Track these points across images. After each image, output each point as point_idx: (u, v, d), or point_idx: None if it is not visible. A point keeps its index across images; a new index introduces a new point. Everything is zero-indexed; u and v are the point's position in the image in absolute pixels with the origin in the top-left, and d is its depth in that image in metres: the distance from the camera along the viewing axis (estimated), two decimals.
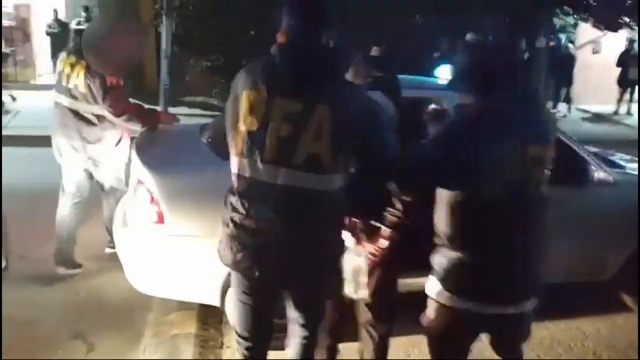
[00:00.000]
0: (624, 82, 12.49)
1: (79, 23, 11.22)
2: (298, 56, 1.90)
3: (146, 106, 4.23)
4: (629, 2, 10.58)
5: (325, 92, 1.84)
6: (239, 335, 2.20)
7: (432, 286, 2.06)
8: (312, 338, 2.22)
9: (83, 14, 11.21)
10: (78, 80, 3.69)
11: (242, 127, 1.89)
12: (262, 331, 2.18)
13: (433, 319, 2.08)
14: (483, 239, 1.92)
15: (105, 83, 3.61)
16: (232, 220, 1.99)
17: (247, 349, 2.19)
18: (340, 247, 2.13)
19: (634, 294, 3.76)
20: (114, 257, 3.50)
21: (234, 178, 1.99)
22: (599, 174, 3.48)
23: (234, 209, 1.98)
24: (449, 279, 1.98)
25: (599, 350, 3.35)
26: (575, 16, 12.16)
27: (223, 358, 3.11)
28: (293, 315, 2.19)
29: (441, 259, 2.01)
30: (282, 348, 2.45)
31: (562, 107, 12.61)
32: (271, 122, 1.84)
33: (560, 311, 3.70)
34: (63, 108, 3.81)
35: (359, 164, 2.02)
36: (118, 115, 3.69)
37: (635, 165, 4.20)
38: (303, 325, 2.19)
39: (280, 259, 1.94)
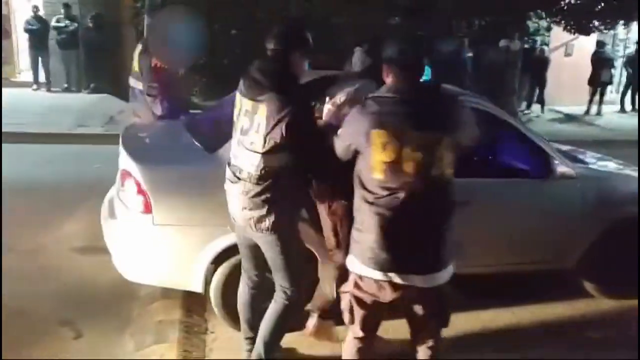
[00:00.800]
0: (595, 83, 12.91)
1: (58, 20, 11.19)
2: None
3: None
4: (599, 7, 10.94)
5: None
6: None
7: (351, 261, 2.33)
8: None
9: (62, 11, 11.17)
10: (135, 62, 4.19)
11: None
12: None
13: (352, 288, 2.34)
14: (386, 219, 2.16)
15: (150, 63, 4.04)
16: None
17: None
18: None
19: (594, 281, 3.99)
20: (101, 249, 3.61)
21: None
22: (562, 168, 3.69)
23: None
24: (362, 254, 2.25)
25: (560, 333, 3.57)
26: (548, 20, 12.50)
27: (207, 343, 3.25)
28: None
29: (355, 235, 2.29)
30: None
31: (535, 107, 12.96)
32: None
33: (525, 297, 3.94)
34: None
35: None
36: (148, 94, 4.00)
37: (603, 162, 4.45)
38: None
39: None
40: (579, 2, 10.99)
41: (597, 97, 13.14)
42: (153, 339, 3.17)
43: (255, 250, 2.66)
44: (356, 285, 2.32)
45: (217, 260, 3.16)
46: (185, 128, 3.72)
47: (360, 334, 2.42)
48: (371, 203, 2.19)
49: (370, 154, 2.15)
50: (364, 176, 2.21)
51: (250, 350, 2.80)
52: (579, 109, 13.16)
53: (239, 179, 2.51)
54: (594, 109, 13.18)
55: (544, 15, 12.41)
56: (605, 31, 12.11)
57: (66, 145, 7.76)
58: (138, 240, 3.17)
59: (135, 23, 11.29)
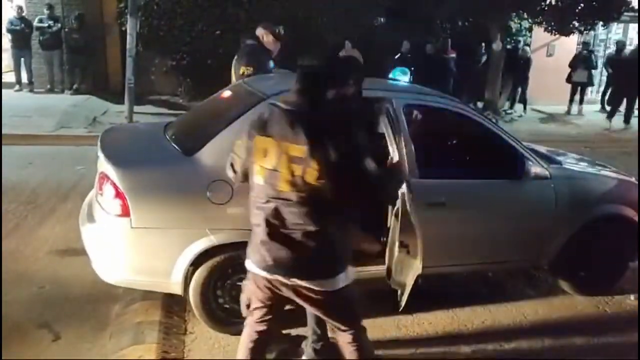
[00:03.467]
0: (572, 83, 13.11)
1: (41, 20, 11.12)
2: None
3: None
4: (578, 7, 11.08)
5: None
6: None
7: (247, 259, 2.41)
8: None
9: (46, 11, 11.10)
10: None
11: None
12: None
13: (248, 284, 2.46)
14: (269, 224, 2.25)
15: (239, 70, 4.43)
16: None
17: None
18: None
19: (569, 279, 4.07)
20: (79, 252, 3.62)
21: None
22: (536, 168, 3.77)
23: None
24: (253, 254, 2.35)
25: (535, 330, 3.63)
26: (529, 20, 12.64)
27: (186, 343, 3.28)
28: None
29: (251, 235, 2.37)
30: None
31: (518, 107, 13.10)
32: None
33: (502, 295, 4.02)
34: None
35: None
36: None
37: (582, 163, 4.53)
38: None
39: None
40: (559, 3, 11.12)
41: (577, 97, 13.31)
42: (132, 340, 3.18)
43: None
44: (252, 281, 2.42)
45: (196, 262, 3.18)
46: (164, 131, 3.74)
47: (258, 324, 2.52)
48: (257, 207, 2.28)
49: (254, 159, 2.25)
50: (252, 181, 2.30)
51: None
52: (560, 109, 13.33)
53: None
54: (575, 108, 13.36)
55: (525, 16, 12.54)
56: (585, 32, 12.26)
57: (48, 147, 7.73)
58: (116, 243, 3.18)
59: (119, 24, 11.26)
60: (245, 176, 2.37)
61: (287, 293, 2.36)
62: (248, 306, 2.51)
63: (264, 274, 2.33)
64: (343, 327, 2.50)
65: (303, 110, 2.19)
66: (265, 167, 2.21)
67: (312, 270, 2.29)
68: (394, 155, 3.11)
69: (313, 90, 2.24)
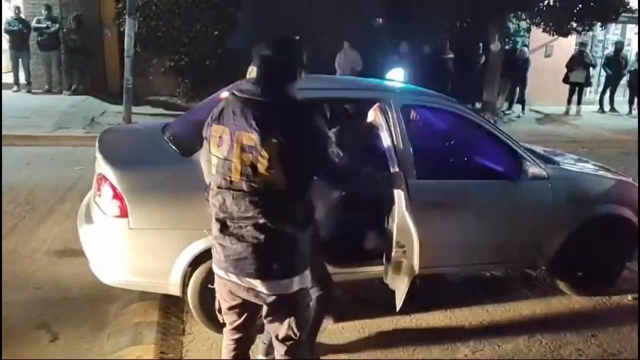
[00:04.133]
0: (570, 83, 13.13)
1: (39, 21, 11.12)
2: None
3: None
4: (576, 8, 11.10)
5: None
6: None
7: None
8: None
9: (44, 12, 11.10)
10: None
11: None
12: None
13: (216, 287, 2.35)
14: (220, 218, 2.17)
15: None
16: None
17: None
18: None
19: (566, 279, 4.08)
20: (77, 252, 3.62)
21: None
22: (534, 169, 3.78)
23: None
24: (213, 254, 2.27)
25: (533, 330, 3.63)
26: (528, 21, 12.66)
27: (184, 344, 3.28)
28: None
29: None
30: None
31: (516, 108, 13.12)
32: None
33: (499, 295, 4.02)
34: None
35: None
36: None
37: (580, 164, 4.54)
38: None
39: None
40: (557, 4, 11.14)
41: (575, 97, 13.34)
42: (130, 341, 3.19)
43: None
44: (216, 283, 2.33)
45: (194, 263, 3.19)
46: (162, 131, 3.75)
47: (231, 331, 2.42)
48: (212, 201, 2.22)
49: (210, 149, 2.19)
50: (208, 173, 2.24)
51: None
52: (558, 109, 13.36)
53: None
54: (573, 109, 13.38)
55: (523, 17, 12.56)
56: (583, 33, 12.28)
57: (46, 148, 7.73)
58: (114, 244, 3.19)
59: (117, 24, 11.26)
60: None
61: (244, 295, 2.23)
62: (219, 310, 2.40)
63: (221, 273, 2.24)
64: (281, 336, 2.31)
65: (256, 98, 2.11)
66: (218, 157, 2.14)
67: (263, 269, 2.14)
68: (392, 161, 3.08)
69: (266, 77, 2.17)
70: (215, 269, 2.28)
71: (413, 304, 3.76)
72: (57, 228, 4.74)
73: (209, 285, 2.65)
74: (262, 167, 2.06)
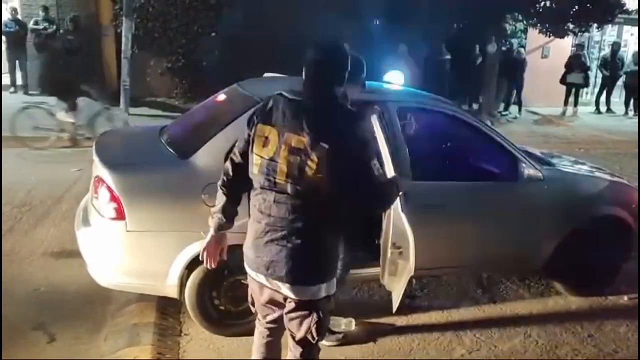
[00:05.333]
0: (567, 84, 13.18)
1: (36, 22, 11.11)
2: None
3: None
4: (573, 10, 11.15)
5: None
6: None
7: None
8: None
9: (41, 13, 11.09)
10: None
11: None
12: None
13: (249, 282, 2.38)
14: (258, 218, 2.18)
15: None
16: None
17: None
18: None
19: (562, 280, 4.10)
20: (74, 254, 3.62)
21: None
22: (530, 170, 3.79)
23: None
24: (245, 252, 2.28)
25: (530, 330, 3.66)
26: (524, 22, 12.70)
27: (181, 345, 3.29)
28: None
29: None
30: None
31: (513, 109, 13.15)
32: None
33: (496, 295, 4.04)
34: None
35: None
36: None
37: (577, 165, 4.56)
38: None
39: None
40: (554, 5, 11.18)
41: (572, 99, 13.38)
42: (127, 342, 3.19)
43: None
44: (249, 279, 2.35)
45: (192, 265, 3.19)
46: (159, 134, 3.76)
47: (265, 324, 2.44)
48: (251, 200, 2.22)
49: (253, 148, 2.16)
50: (250, 172, 2.21)
51: None
52: (555, 110, 13.40)
53: None
54: (570, 110, 13.43)
55: (520, 18, 12.59)
56: (579, 34, 12.33)
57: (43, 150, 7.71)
58: (112, 247, 3.19)
59: (114, 26, 11.26)
60: (239, 166, 2.25)
61: (270, 296, 2.26)
62: (253, 304, 2.44)
63: (251, 273, 2.27)
64: (299, 337, 2.26)
65: (307, 101, 2.11)
66: (263, 157, 2.12)
67: (295, 274, 2.13)
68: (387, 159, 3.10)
69: (316, 81, 2.15)
70: (246, 267, 2.29)
71: (410, 305, 3.80)
72: (54, 229, 4.74)
73: (242, 281, 2.62)
74: (310, 171, 2.03)
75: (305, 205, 2.10)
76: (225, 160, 2.32)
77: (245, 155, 2.22)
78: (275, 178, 2.10)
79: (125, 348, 3.14)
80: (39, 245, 4.42)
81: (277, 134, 2.09)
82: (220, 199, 2.31)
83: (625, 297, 4.17)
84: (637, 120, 12.15)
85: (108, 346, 3.20)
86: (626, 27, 15.30)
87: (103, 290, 3.43)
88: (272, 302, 2.32)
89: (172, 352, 3.18)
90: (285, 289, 2.17)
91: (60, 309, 3.56)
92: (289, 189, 2.08)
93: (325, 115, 2.09)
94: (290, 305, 2.22)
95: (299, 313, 2.21)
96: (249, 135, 2.19)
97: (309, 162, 2.03)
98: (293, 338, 2.29)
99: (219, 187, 2.31)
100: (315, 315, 2.20)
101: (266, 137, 2.11)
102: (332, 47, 2.24)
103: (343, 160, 2.03)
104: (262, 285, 2.25)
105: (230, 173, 2.28)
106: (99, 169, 3.24)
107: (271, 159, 2.10)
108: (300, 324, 2.23)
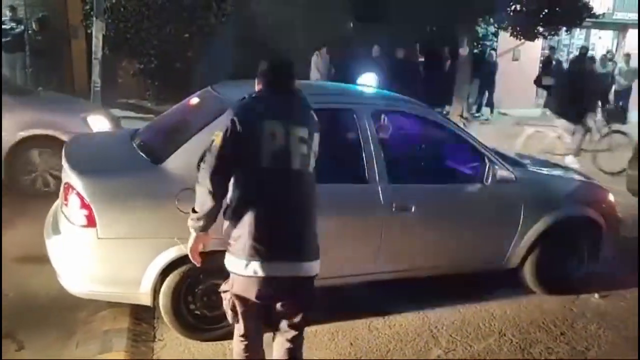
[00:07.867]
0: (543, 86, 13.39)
1: (3, 23, 10.83)
2: None
3: None
4: (543, 13, 11.37)
5: None
6: None
7: (228, 260, 2.35)
8: None
9: (9, 13, 10.82)
10: None
11: None
12: None
13: (232, 288, 2.39)
14: (262, 209, 2.28)
15: None
16: None
17: None
18: None
19: (535, 279, 4.15)
20: (44, 259, 3.53)
21: None
22: (502, 172, 3.84)
23: None
24: (239, 250, 2.29)
25: (504, 329, 3.72)
26: (496, 25, 12.90)
27: (155, 350, 3.24)
28: None
29: (234, 233, 2.31)
30: None
31: (485, 111, 13.33)
32: None
33: (471, 296, 4.08)
34: None
35: None
36: None
37: (547, 167, 4.64)
38: None
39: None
40: (524, 9, 11.38)
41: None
42: (99, 348, 3.13)
43: None
44: (235, 285, 2.36)
45: (166, 271, 3.14)
46: (131, 138, 3.69)
47: (244, 332, 2.45)
48: (251, 194, 2.28)
49: (260, 143, 2.26)
50: (248, 168, 2.28)
51: None
52: (526, 112, 13.60)
53: None
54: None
55: (491, 21, 12.78)
56: (549, 37, 12.57)
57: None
58: (83, 255, 3.11)
59: (84, 26, 11.06)
60: (229, 170, 2.30)
61: (264, 291, 2.30)
62: (234, 312, 2.45)
63: (256, 265, 2.26)
64: (297, 320, 2.42)
65: (297, 96, 2.44)
66: (270, 149, 2.26)
67: (305, 250, 2.33)
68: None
69: (291, 79, 2.46)
70: (248, 270, 2.27)
71: (386, 306, 3.81)
72: (23, 235, 4.61)
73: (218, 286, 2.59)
74: (310, 158, 2.35)
75: (308, 189, 2.37)
76: (199, 163, 2.30)
77: (237, 156, 2.27)
78: (286, 165, 2.29)
79: (98, 355, 3.07)
80: (7, 251, 4.30)
81: (283, 126, 2.29)
82: (206, 204, 2.29)
83: (596, 295, 4.25)
84: None
85: (79, 353, 3.13)
86: (594, 31, 15.66)
87: (73, 297, 3.34)
88: (266, 296, 2.33)
89: (145, 358, 3.12)
90: (298, 268, 2.31)
91: (30, 315, 3.47)
92: (296, 175, 2.32)
93: (307, 108, 2.46)
94: (290, 290, 2.33)
95: (301, 293, 2.36)
96: (249, 135, 2.26)
97: (310, 151, 2.35)
98: (289, 324, 2.42)
99: (206, 194, 2.28)
100: (313, 293, 2.41)
101: (272, 131, 2.27)
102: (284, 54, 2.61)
103: (316, 147, 2.42)
104: (263, 277, 2.26)
105: (222, 180, 2.31)
106: (69, 175, 3.16)
107: (278, 150, 2.27)
108: (299, 303, 2.39)
